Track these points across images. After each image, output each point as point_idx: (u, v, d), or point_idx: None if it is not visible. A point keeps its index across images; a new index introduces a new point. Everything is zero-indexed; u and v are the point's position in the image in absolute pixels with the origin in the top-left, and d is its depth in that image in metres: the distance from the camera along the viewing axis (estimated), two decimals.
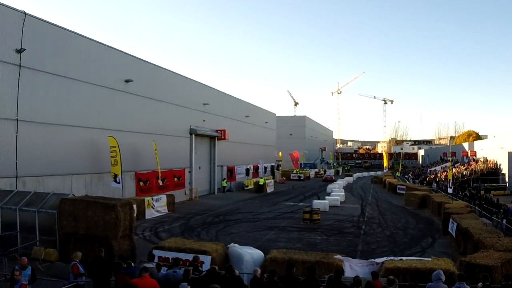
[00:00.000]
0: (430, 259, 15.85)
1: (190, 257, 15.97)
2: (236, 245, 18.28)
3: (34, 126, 26.07)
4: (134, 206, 22.63)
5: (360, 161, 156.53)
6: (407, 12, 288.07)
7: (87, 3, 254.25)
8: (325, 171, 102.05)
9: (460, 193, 48.42)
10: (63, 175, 28.13)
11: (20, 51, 24.79)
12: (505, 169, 63.02)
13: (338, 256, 16.31)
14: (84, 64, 30.27)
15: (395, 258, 16.29)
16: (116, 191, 30.77)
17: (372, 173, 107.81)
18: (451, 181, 34.56)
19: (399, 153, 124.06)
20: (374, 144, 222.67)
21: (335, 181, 70.14)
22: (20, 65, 24.94)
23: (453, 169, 44.50)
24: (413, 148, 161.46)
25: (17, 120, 24.76)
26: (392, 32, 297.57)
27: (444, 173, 68.18)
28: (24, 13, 25.26)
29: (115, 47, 34.38)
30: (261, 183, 57.24)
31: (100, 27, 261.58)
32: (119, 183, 30.99)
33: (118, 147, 30.91)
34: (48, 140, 27.03)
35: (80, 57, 29.97)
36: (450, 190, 35.75)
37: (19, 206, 20.87)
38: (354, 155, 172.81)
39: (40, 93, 26.57)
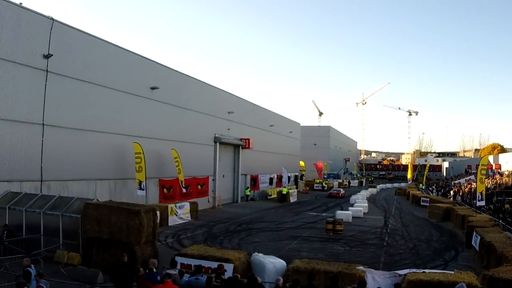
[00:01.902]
0: (453, 272, 15.50)
1: (212, 264, 15.92)
2: (259, 254, 18.08)
3: (60, 131, 26.22)
4: (158, 212, 22.60)
5: (384, 173, 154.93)
6: (433, 23, 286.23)
7: (110, 8, 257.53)
8: (348, 183, 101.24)
9: (484, 206, 47.56)
10: (87, 180, 28.24)
11: (47, 56, 25.02)
12: None
13: (361, 267, 16.09)
14: (110, 70, 30.45)
15: (418, 271, 15.99)
16: (140, 197, 30.81)
17: (396, 184, 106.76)
18: (480, 193, 33.61)
19: (424, 165, 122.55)
20: (398, 155, 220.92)
21: (343, 196, 65.55)
22: (47, 71, 25.15)
23: (485, 180, 43.49)
24: (438, 160, 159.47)
25: (43, 124, 24.93)
26: (418, 43, 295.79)
27: (469, 186, 67.20)
28: (52, 19, 25.50)
29: (141, 54, 34.64)
30: (284, 192, 56.83)
31: (126, 33, 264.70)
32: (143, 189, 31.06)
33: (143, 153, 30.99)
34: (73, 145, 27.16)
35: (106, 64, 30.17)
36: (480, 203, 34.86)
37: (43, 210, 21.03)
38: (378, 166, 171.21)
39: (66, 99, 26.74)
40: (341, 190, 71.66)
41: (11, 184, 23.14)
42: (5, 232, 20.38)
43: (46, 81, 25.11)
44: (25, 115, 23.98)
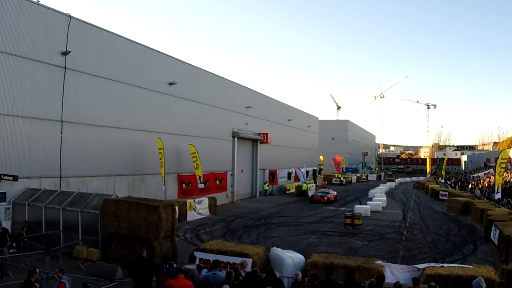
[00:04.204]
0: (471, 266, 15.33)
1: (231, 259, 15.86)
2: (278, 248, 18.00)
3: (78, 128, 26.38)
4: (176, 208, 22.62)
5: (402, 166, 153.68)
6: (451, 15, 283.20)
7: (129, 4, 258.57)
8: (367, 177, 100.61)
9: (503, 200, 46.91)
10: (106, 176, 28.40)
11: (65, 53, 25.15)
12: None
13: (379, 262, 15.99)
14: (127, 66, 30.54)
15: (437, 265, 15.85)
16: (159, 193, 30.90)
17: (414, 178, 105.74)
18: (498, 187, 33.24)
19: (442, 158, 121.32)
20: (417, 149, 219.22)
21: (332, 200, 49.07)
22: (65, 67, 25.28)
23: (504, 173, 42.68)
24: (456, 154, 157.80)
25: (61, 121, 25.09)
26: (435, 35, 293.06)
27: (488, 179, 66.31)
28: (69, 16, 25.61)
29: (158, 49, 34.67)
30: (304, 188, 56.63)
31: (143, 28, 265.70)
32: (163, 185, 31.18)
33: (163, 149, 31.08)
34: (92, 141, 27.31)
35: (123, 59, 30.25)
36: (497, 196, 34.50)
37: (62, 206, 21.19)
38: (396, 160, 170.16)
39: (84, 95, 26.88)
40: (330, 191, 51.84)
41: (30, 180, 23.33)
42: (25, 228, 20.59)
43: (64, 78, 25.24)
44: (44, 112, 24.15)
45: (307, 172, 64.08)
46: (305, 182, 58.25)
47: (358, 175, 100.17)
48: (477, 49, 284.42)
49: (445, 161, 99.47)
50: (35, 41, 23.51)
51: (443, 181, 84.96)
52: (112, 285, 13.42)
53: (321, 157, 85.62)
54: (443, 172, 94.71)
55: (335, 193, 51.55)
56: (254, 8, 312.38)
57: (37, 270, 11.73)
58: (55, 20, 24.90)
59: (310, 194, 54.79)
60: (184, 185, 36.66)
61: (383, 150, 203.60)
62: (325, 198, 48.20)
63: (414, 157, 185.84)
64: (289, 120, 63.18)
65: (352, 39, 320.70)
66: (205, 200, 35.41)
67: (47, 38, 24.24)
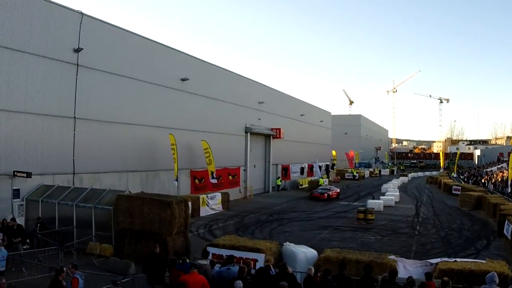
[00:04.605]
0: (484, 261, 15.29)
1: (244, 254, 15.85)
2: (290, 243, 17.98)
3: (91, 124, 26.50)
4: (189, 203, 22.65)
5: (415, 161, 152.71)
6: (462, 8, 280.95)
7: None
8: (379, 171, 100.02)
9: None
10: (119, 172, 28.52)
11: (77, 50, 25.24)
12: None
13: (392, 257, 15.94)
14: (140, 62, 30.57)
15: (449, 260, 15.81)
16: (172, 189, 30.98)
17: (427, 173, 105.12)
18: (511, 181, 32.95)
19: (455, 153, 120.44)
20: (430, 143, 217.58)
21: (334, 198, 45.98)
22: (77, 64, 25.38)
23: None
24: (469, 148, 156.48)
25: (74, 118, 25.21)
26: (447, 30, 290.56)
27: (501, 174, 65.76)
28: (81, 13, 25.69)
29: (170, 45, 34.61)
30: (320, 183, 56.42)
31: (155, 24, 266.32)
32: (176, 180, 31.25)
33: (176, 144, 31.13)
34: (105, 137, 27.43)
35: (135, 56, 30.29)
36: (510, 190, 34.17)
37: (75, 202, 21.31)
38: (409, 154, 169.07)
39: (97, 92, 26.98)
40: (332, 188, 49.24)
41: (44, 177, 23.48)
42: (38, 224, 20.74)
43: (76, 75, 25.35)
44: (57, 109, 24.28)
45: (320, 167, 63.95)
46: (321, 177, 58.18)
47: (371, 170, 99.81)
48: (490, 43, 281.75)
49: (457, 156, 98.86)
50: (47, 39, 23.61)
51: (455, 175, 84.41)
52: (125, 281, 13.44)
53: (334, 152, 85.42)
54: (456, 167, 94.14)
55: (338, 190, 48.68)
56: (268, 6, 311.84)
57: (64, 268, 11.74)
58: (67, 18, 24.99)
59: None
60: (197, 181, 36.73)
61: (396, 144, 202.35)
62: (325, 195, 45.01)
63: (427, 151, 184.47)
64: (301, 115, 63.00)
65: (365, 34, 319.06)
66: (218, 196, 35.43)
67: (60, 36, 24.34)
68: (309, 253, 17.03)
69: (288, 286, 10.74)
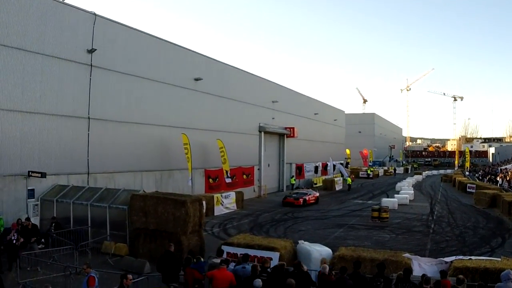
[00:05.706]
0: (499, 259, 15.22)
1: (258, 253, 15.82)
2: (305, 242, 17.92)
3: (105, 124, 26.64)
4: (204, 202, 22.64)
5: (429, 159, 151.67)
6: (475, 6, 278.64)
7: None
8: (394, 170, 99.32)
9: None
10: (133, 171, 28.62)
11: (91, 51, 25.39)
12: None
13: (407, 255, 15.91)
14: (153, 63, 30.66)
15: (464, 258, 15.75)
16: (186, 188, 31.02)
17: (441, 171, 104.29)
18: None
19: (470, 151, 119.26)
20: (444, 141, 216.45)
21: (308, 204, 39.19)
22: (91, 65, 25.55)
23: None
24: (484, 146, 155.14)
25: (88, 118, 25.36)
26: (461, 28, 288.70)
27: None
28: (95, 14, 25.83)
29: (184, 45, 34.67)
30: (349, 182, 56.48)
31: (167, 23, 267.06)
32: (190, 180, 31.33)
33: (189, 144, 31.16)
34: (119, 137, 27.57)
35: (149, 56, 30.38)
36: None
37: (90, 202, 21.42)
38: (423, 153, 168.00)
39: (111, 92, 27.12)
40: (310, 192, 42.92)
41: (58, 177, 23.66)
42: (53, 224, 20.85)
43: (90, 76, 25.52)
44: (71, 110, 24.44)
45: (334, 166, 63.72)
46: (348, 177, 57.89)
47: (385, 168, 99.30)
48: (503, 41, 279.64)
49: (468, 154, 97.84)
50: (61, 40, 23.78)
51: (468, 173, 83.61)
52: (140, 279, 13.46)
53: (348, 151, 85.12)
54: (467, 164, 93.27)
55: (317, 194, 42.61)
56: (281, 4, 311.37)
57: (130, 276, 11.48)
58: (81, 19, 25.15)
59: (337, 188, 54.90)
60: (211, 180, 36.76)
61: (410, 143, 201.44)
62: (300, 200, 38.59)
63: (441, 149, 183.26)
64: (315, 114, 62.87)
65: (378, 33, 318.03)
66: (232, 195, 35.43)
67: (73, 37, 24.51)
68: (324, 252, 16.97)
69: (302, 284, 10.70)
